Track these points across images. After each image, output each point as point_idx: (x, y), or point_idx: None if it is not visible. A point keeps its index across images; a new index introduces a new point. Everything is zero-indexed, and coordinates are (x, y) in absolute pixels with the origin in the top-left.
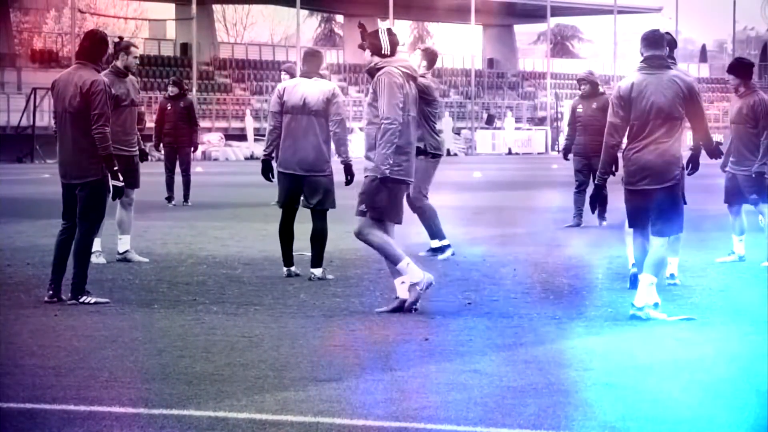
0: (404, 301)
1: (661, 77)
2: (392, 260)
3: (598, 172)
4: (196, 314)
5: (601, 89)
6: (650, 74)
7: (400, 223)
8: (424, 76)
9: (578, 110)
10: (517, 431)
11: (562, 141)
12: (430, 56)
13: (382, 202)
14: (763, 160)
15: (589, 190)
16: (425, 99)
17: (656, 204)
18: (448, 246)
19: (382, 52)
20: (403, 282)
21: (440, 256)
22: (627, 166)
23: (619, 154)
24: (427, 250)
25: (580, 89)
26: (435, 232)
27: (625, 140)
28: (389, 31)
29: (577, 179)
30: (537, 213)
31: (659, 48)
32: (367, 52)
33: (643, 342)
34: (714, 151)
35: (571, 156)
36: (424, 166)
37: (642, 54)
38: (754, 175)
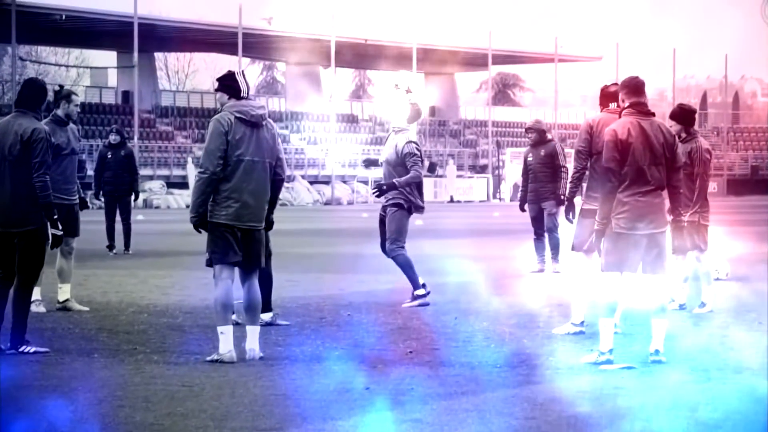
0: (219, 356)
1: (652, 124)
2: (216, 318)
3: (598, 221)
4: (137, 363)
5: (549, 136)
6: (643, 120)
7: (237, 262)
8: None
9: (528, 159)
10: None
11: (504, 188)
12: (413, 111)
13: (215, 246)
14: (694, 209)
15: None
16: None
17: (655, 247)
18: (423, 296)
19: (241, 94)
20: (222, 333)
21: (405, 304)
22: (630, 210)
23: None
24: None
25: (528, 137)
26: (412, 281)
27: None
28: (243, 73)
29: (534, 226)
30: (479, 261)
31: (642, 95)
32: (221, 95)
33: (584, 391)
34: (677, 209)
35: (526, 205)
36: (406, 218)
37: (624, 101)
38: (686, 224)
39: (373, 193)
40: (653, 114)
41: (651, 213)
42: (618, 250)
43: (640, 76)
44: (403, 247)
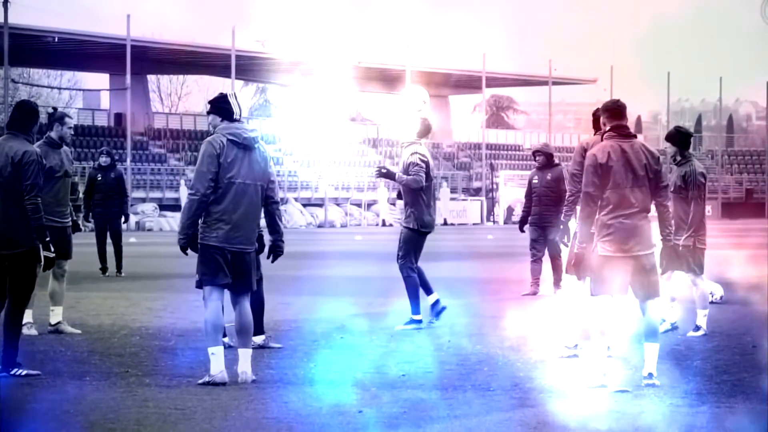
0: (211, 377)
1: (633, 146)
2: (207, 339)
3: (578, 243)
4: (129, 386)
5: (555, 160)
6: (623, 143)
7: (226, 284)
8: (417, 148)
9: (534, 181)
10: None
11: (498, 211)
12: (423, 126)
13: (205, 267)
14: (689, 233)
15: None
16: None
17: (643, 269)
18: (419, 321)
19: (233, 117)
20: (213, 353)
21: (399, 326)
22: (615, 233)
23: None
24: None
25: (535, 160)
26: (413, 304)
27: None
28: (235, 95)
29: (532, 248)
30: (472, 284)
31: (623, 118)
32: (214, 117)
33: (577, 414)
34: (666, 228)
35: (526, 226)
36: (414, 238)
37: (605, 124)
38: (681, 248)
39: (375, 172)
40: (635, 136)
41: (636, 235)
42: (606, 274)
43: (621, 100)
44: (412, 268)
